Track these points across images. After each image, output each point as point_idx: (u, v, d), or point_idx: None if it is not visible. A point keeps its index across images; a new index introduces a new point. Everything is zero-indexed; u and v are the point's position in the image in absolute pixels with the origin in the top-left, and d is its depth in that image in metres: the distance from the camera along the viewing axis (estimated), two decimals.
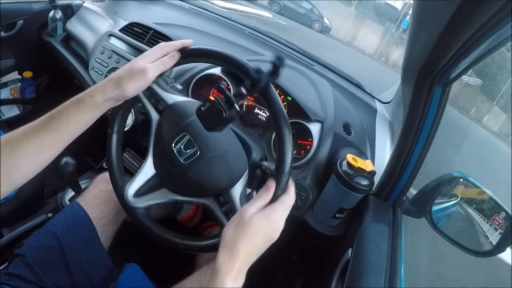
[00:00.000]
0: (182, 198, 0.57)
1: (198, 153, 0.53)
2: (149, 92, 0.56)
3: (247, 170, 0.56)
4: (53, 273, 0.57)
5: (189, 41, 0.53)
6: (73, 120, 0.45)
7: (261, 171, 0.61)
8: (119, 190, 0.58)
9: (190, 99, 0.59)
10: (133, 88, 0.48)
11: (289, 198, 0.48)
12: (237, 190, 0.54)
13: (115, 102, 0.49)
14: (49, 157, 0.45)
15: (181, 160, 0.53)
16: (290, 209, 0.48)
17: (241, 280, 0.43)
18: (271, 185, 0.46)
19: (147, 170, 0.57)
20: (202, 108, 0.49)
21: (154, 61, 0.49)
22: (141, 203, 0.56)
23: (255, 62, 0.87)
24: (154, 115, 0.57)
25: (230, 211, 0.53)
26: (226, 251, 0.42)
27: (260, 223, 0.44)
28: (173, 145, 0.54)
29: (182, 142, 0.53)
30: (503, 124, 11.36)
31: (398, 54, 11.37)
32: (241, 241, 0.42)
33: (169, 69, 0.52)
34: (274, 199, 0.46)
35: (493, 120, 11.59)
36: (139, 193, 0.57)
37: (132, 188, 0.56)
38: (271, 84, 0.47)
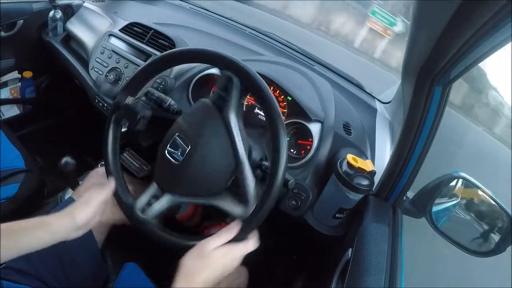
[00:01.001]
0: (190, 200, 0.58)
1: (190, 147, 0.54)
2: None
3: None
4: (47, 264, 0.59)
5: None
6: (34, 241, 0.48)
7: (261, 171, 0.61)
8: (127, 208, 0.59)
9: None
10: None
11: (250, 244, 0.52)
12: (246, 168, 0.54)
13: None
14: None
15: (177, 159, 0.54)
16: (247, 252, 0.52)
17: None
18: (234, 227, 0.51)
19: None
20: None
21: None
22: (150, 214, 0.57)
23: (255, 62, 0.87)
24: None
25: (244, 195, 0.53)
26: (183, 280, 0.46)
27: (220, 258, 0.49)
28: (166, 151, 0.56)
29: (173, 143, 0.55)
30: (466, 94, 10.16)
31: (340, 23, 9.32)
32: (200, 273, 0.47)
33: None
34: (238, 239, 0.51)
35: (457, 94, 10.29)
36: (145, 208, 0.57)
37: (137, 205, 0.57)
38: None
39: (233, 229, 0.51)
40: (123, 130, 0.66)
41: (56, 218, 0.51)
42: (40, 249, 0.49)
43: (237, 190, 0.55)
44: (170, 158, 0.55)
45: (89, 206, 0.54)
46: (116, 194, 0.60)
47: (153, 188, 0.58)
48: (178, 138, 0.55)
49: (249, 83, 0.53)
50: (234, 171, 0.55)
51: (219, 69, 0.57)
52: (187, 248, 0.53)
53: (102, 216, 0.58)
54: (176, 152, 0.55)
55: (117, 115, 0.62)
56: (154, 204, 0.57)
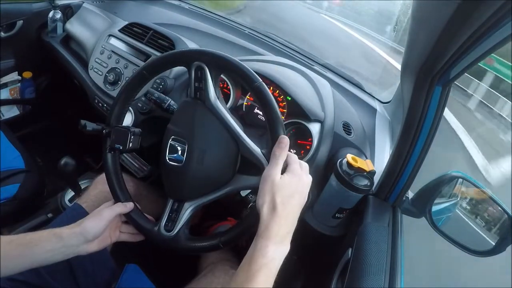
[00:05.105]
0: (208, 197, 0.57)
1: (187, 144, 0.54)
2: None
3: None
4: (57, 275, 0.57)
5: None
6: (46, 253, 0.48)
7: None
8: (152, 234, 0.58)
9: None
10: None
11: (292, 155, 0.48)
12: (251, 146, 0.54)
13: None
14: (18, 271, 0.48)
15: (180, 160, 0.54)
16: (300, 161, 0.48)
17: (286, 247, 0.43)
18: (284, 142, 0.47)
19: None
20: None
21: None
22: (176, 230, 0.57)
23: (255, 62, 0.87)
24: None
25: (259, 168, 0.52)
26: (268, 217, 0.42)
27: (292, 182, 0.44)
28: (166, 159, 0.56)
29: (171, 148, 0.56)
30: None
31: None
32: (281, 205, 0.42)
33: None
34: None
35: None
36: (168, 226, 0.57)
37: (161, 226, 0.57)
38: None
39: (284, 147, 0.47)
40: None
41: (67, 230, 0.51)
42: (53, 262, 0.49)
43: (248, 167, 0.55)
44: (173, 163, 0.55)
45: (101, 220, 0.54)
46: (135, 224, 0.60)
47: (169, 205, 0.58)
48: (173, 142, 0.56)
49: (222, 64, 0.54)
50: (237, 150, 0.55)
51: (187, 64, 0.56)
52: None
53: (111, 233, 0.58)
54: (176, 154, 0.55)
55: (110, 144, 0.61)
56: (178, 218, 0.57)
